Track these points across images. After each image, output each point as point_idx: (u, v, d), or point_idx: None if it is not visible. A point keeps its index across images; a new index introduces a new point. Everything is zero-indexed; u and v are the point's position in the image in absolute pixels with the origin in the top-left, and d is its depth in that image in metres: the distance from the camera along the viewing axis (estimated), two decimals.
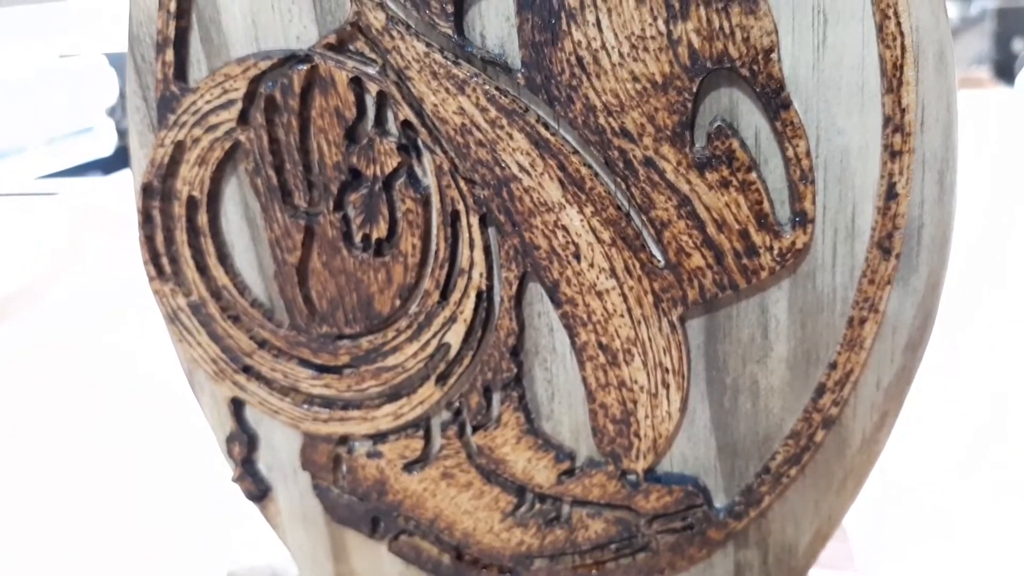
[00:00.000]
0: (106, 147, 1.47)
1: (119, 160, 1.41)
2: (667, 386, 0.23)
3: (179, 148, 0.24)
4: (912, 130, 0.20)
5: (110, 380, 0.53)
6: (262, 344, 0.25)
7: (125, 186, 1.08)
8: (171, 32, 0.23)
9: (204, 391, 0.27)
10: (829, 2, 0.20)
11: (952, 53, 0.20)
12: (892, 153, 0.20)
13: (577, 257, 0.22)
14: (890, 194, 0.21)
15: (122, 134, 1.53)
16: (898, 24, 0.19)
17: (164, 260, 0.25)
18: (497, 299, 0.24)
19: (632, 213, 0.22)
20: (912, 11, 0.19)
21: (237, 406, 0.26)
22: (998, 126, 1.01)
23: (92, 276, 0.74)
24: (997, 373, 0.47)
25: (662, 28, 0.20)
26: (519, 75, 0.21)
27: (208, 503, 0.39)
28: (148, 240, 0.25)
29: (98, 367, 0.55)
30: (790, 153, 0.21)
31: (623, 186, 0.22)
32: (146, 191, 0.24)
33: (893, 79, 0.20)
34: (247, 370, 0.26)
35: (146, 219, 0.25)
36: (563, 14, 0.20)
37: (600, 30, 0.20)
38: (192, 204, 0.24)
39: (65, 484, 0.42)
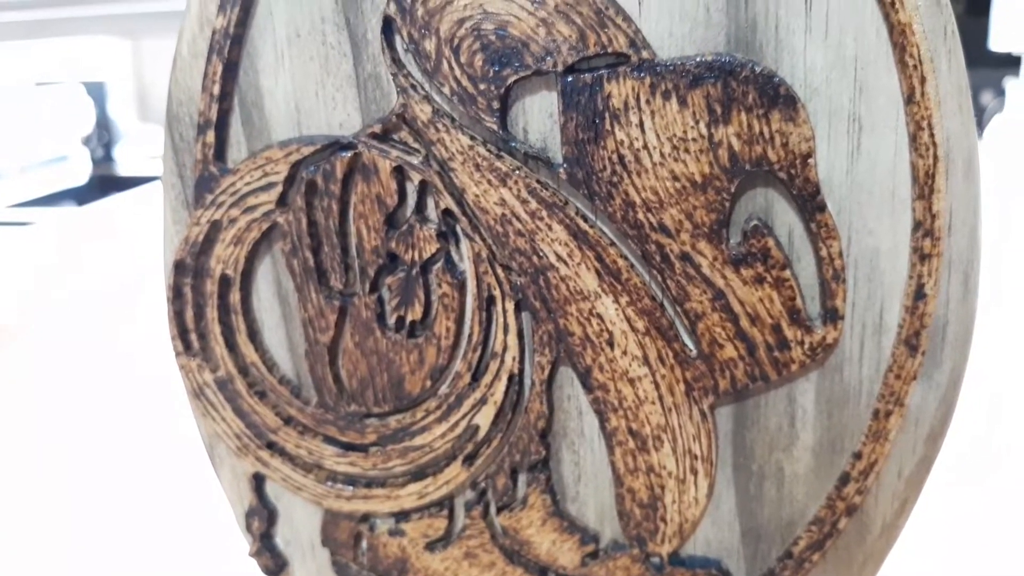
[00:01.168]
0: (80, 176, 1.46)
1: (92, 189, 1.39)
2: (695, 472, 0.24)
3: (215, 227, 0.24)
4: (942, 235, 0.21)
5: (83, 409, 0.53)
6: (288, 421, 0.25)
7: (101, 218, 1.07)
8: (213, 115, 0.23)
9: (224, 465, 0.27)
10: (864, 111, 0.21)
11: (978, 160, 0.21)
12: (922, 256, 0.21)
13: (611, 344, 0.23)
14: (919, 294, 0.21)
15: (96, 163, 1.51)
16: (931, 135, 0.20)
17: (192, 336, 0.25)
18: (528, 382, 0.24)
19: (667, 304, 0.22)
20: (944, 122, 0.20)
21: (258, 481, 0.26)
22: None
23: (68, 308, 0.73)
24: (992, 389, 0.48)
25: (703, 131, 0.21)
26: (561, 170, 0.22)
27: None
28: (177, 315, 0.25)
29: (71, 402, 0.54)
30: (824, 253, 0.21)
31: (659, 278, 0.22)
32: (178, 268, 0.24)
33: (925, 186, 0.21)
34: (271, 446, 0.26)
35: (176, 295, 0.25)
36: (607, 115, 0.21)
37: (643, 131, 0.21)
38: (225, 282, 0.24)
39: (55, 507, 0.41)
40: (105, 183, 1.39)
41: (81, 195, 1.35)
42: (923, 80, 0.20)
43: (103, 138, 1.50)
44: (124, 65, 1.49)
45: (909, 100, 0.20)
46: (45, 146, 1.42)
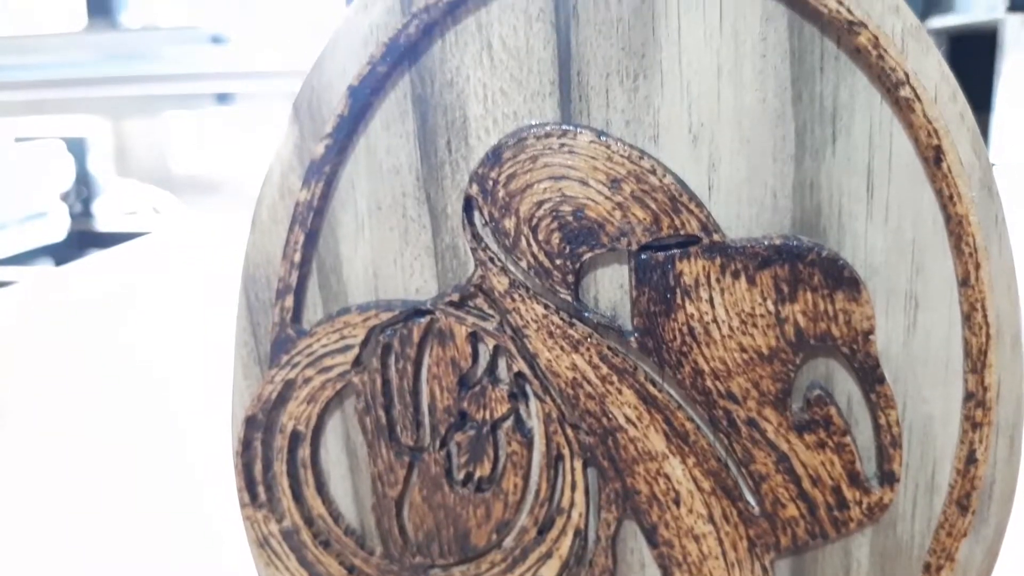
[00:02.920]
0: (58, 232, 1.44)
1: (70, 246, 1.38)
2: None
3: (288, 386, 0.24)
4: (992, 405, 0.22)
5: (59, 481, 0.52)
6: (351, 570, 0.26)
7: (83, 278, 1.06)
8: (293, 281, 0.23)
9: None
10: (921, 290, 0.22)
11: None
12: (973, 424, 0.22)
13: (677, 503, 0.24)
14: (970, 459, 0.23)
15: (75, 218, 1.50)
16: (984, 316, 0.22)
17: (260, 488, 0.25)
18: (593, 537, 0.25)
19: (732, 465, 0.23)
20: (995, 303, 0.22)
21: None
22: None
23: (47, 371, 0.72)
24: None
25: (771, 308, 0.22)
26: (632, 339, 0.23)
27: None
28: (245, 468, 0.25)
29: (52, 472, 0.54)
30: (882, 421, 0.22)
31: (725, 441, 0.23)
32: (249, 422, 0.25)
33: (977, 361, 0.22)
34: None
35: (245, 448, 0.25)
36: (678, 290, 0.22)
37: (712, 306, 0.22)
38: (296, 437, 0.25)
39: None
40: (84, 239, 1.38)
41: (58, 251, 1.34)
42: (978, 266, 0.21)
43: (82, 193, 1.50)
44: (103, 123, 1.49)
45: (964, 283, 0.21)
46: (24, 203, 1.41)
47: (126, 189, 1.59)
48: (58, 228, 1.46)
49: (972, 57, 0.45)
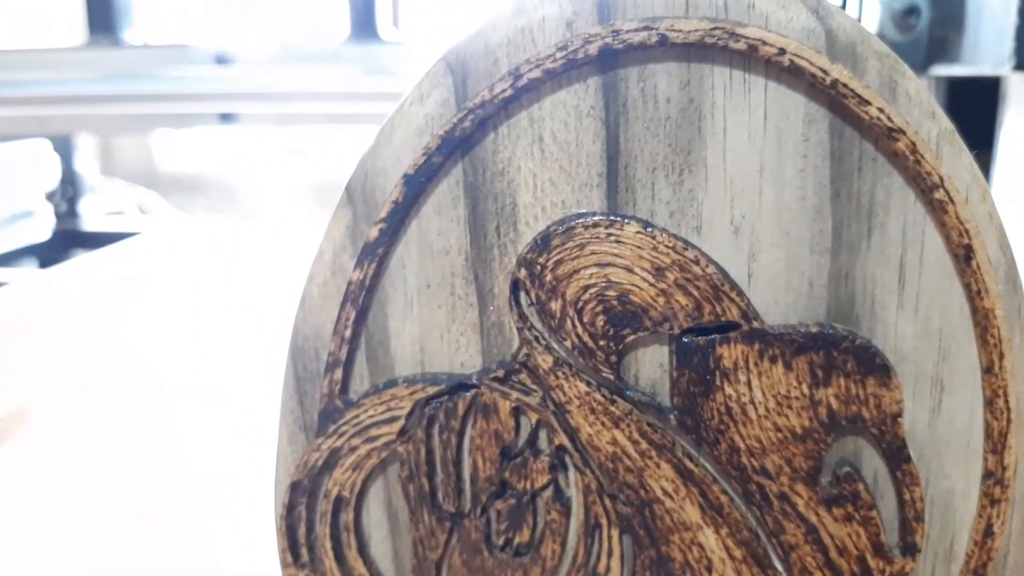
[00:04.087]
0: (44, 232, 1.43)
1: (55, 246, 1.37)
2: None
3: (334, 453, 0.25)
4: (1010, 483, 0.23)
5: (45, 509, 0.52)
6: None
7: (74, 279, 1.06)
8: (343, 355, 0.24)
9: None
10: (946, 375, 0.23)
11: None
12: (992, 500, 0.24)
13: (709, 570, 0.25)
14: (987, 532, 0.24)
15: (60, 218, 1.49)
16: (1006, 401, 0.23)
17: (303, 549, 0.26)
18: None
19: (762, 535, 0.24)
20: (1017, 389, 0.23)
21: None
22: None
23: (38, 372, 0.72)
24: None
25: (806, 391, 0.23)
26: (671, 416, 0.24)
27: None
28: (289, 530, 0.26)
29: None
30: (907, 497, 0.24)
31: (758, 513, 0.24)
32: (294, 487, 0.26)
33: (998, 443, 0.23)
34: None
35: (289, 512, 0.26)
36: (718, 372, 0.23)
37: (750, 388, 0.23)
38: (339, 502, 0.26)
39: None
40: (69, 238, 1.37)
41: (43, 250, 1.33)
42: (1002, 356, 0.22)
43: (67, 193, 1.48)
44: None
45: (988, 371, 0.23)
46: (8, 202, 1.40)
47: (112, 188, 1.57)
48: (44, 228, 1.45)
49: (973, 97, 0.46)
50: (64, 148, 1.46)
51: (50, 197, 1.44)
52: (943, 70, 0.44)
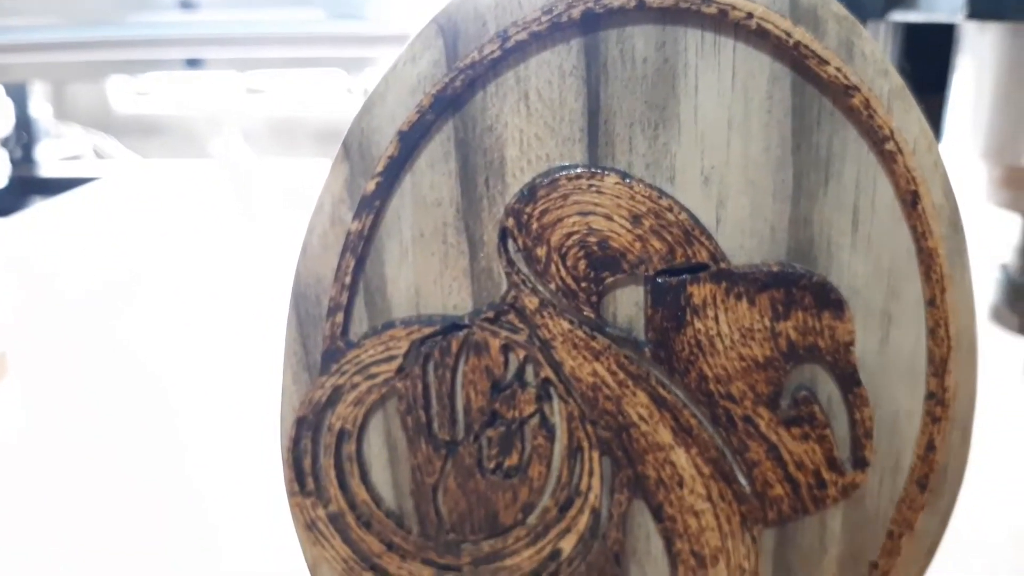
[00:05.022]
0: (0, 179, 1.41)
1: (12, 192, 1.35)
2: None
3: (337, 390, 0.27)
4: (950, 403, 0.26)
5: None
6: (390, 546, 0.29)
7: (32, 228, 1.05)
8: (343, 300, 0.26)
9: None
10: (894, 309, 0.26)
11: (978, 344, 0.26)
12: (933, 418, 0.26)
13: (680, 485, 0.27)
14: (929, 447, 0.27)
15: (15, 164, 1.47)
16: (946, 331, 0.25)
17: (308, 478, 0.28)
18: (606, 514, 0.28)
19: (728, 454, 0.27)
20: (956, 320, 0.25)
21: None
22: None
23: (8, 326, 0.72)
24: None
25: (767, 324, 0.25)
26: (646, 349, 0.26)
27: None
28: (295, 461, 0.28)
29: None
30: (857, 417, 0.26)
31: (724, 435, 0.27)
32: (300, 423, 0.28)
33: (939, 368, 0.26)
34: (374, 568, 0.29)
35: (295, 444, 0.28)
36: (688, 309, 0.25)
37: (717, 323, 0.25)
38: (342, 435, 0.28)
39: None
40: (26, 185, 1.35)
41: (1, 198, 1.31)
42: (943, 290, 0.25)
43: (22, 139, 1.45)
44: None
45: (931, 304, 0.25)
46: None
47: (68, 133, 1.54)
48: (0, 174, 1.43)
49: (929, 41, 0.48)
50: (18, 94, 1.42)
51: (4, 143, 1.42)
52: (901, 16, 0.46)
